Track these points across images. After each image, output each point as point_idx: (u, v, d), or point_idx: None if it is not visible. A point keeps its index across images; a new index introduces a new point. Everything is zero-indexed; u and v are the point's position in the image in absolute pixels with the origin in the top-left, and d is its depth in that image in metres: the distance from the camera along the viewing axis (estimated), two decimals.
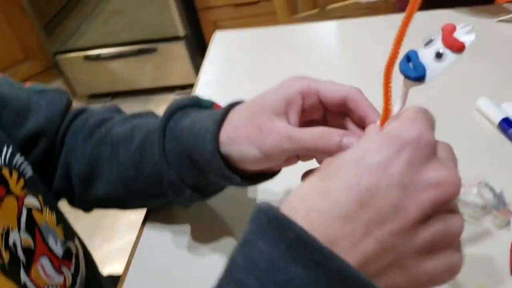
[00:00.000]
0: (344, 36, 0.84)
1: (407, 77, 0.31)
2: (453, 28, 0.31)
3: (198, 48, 2.16)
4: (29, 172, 0.45)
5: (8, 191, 0.41)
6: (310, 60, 0.79)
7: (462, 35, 0.31)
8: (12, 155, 0.43)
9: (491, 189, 0.48)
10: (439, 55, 0.31)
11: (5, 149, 0.42)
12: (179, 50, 2.07)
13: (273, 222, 0.25)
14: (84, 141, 0.48)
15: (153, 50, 2.07)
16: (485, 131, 0.57)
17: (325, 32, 0.86)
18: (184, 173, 0.41)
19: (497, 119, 0.57)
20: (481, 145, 0.56)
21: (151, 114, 0.49)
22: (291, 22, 1.35)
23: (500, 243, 0.44)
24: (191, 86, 2.18)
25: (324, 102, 0.36)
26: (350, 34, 0.84)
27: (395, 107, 0.33)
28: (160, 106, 2.19)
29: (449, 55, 0.30)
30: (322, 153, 0.34)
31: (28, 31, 2.08)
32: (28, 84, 0.51)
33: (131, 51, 2.08)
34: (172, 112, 0.42)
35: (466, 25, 0.31)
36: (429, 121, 0.28)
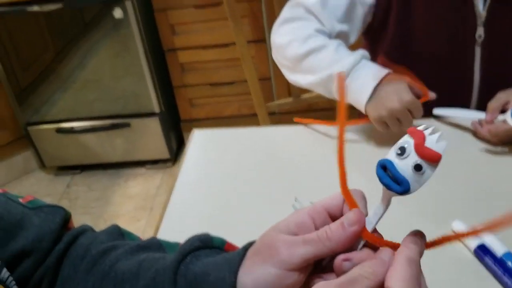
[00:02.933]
0: (318, 139, 0.86)
1: (390, 189, 0.32)
2: (422, 137, 0.32)
3: (172, 124, 2.18)
4: (14, 286, 0.44)
5: None
6: (287, 161, 0.80)
7: (434, 144, 0.31)
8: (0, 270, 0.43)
9: None
10: (418, 167, 0.31)
11: None
12: (153, 126, 2.08)
13: None
14: (84, 273, 0.46)
15: (127, 125, 2.07)
16: (461, 257, 0.58)
17: (301, 135, 0.88)
18: None
19: (473, 245, 0.58)
20: (457, 271, 0.56)
21: (157, 245, 0.48)
22: (267, 109, 1.38)
23: None
24: (162, 161, 2.19)
25: (332, 213, 0.37)
26: (322, 137, 0.86)
27: (376, 210, 0.34)
28: (129, 180, 2.16)
29: (427, 167, 0.31)
30: (335, 247, 0.35)
31: (1, 101, 2.05)
32: (27, 199, 0.51)
33: (105, 125, 2.07)
34: (184, 255, 0.41)
35: (433, 131, 0.32)
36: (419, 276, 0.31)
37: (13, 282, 0.44)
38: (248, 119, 2.12)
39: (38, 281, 0.46)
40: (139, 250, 0.46)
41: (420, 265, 0.33)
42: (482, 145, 0.77)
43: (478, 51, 0.84)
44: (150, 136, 2.10)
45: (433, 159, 0.31)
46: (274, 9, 1.33)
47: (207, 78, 2.05)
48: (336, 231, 0.35)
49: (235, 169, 0.81)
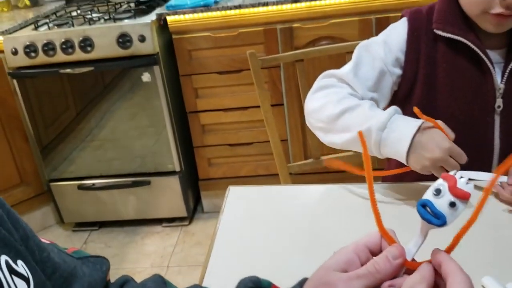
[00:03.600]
0: (349, 198, 0.91)
1: (431, 223, 0.40)
2: (455, 180, 0.40)
3: (190, 183, 2.23)
4: None
5: None
6: (320, 220, 0.84)
7: (464, 186, 0.40)
8: None
9: None
10: (452, 204, 0.40)
11: None
12: (172, 184, 2.13)
13: None
14: None
15: (147, 183, 2.12)
16: None
17: (331, 193, 0.93)
18: None
19: None
20: None
21: None
22: (287, 170, 1.43)
23: None
24: (179, 219, 2.22)
25: (373, 249, 0.44)
26: (353, 197, 0.90)
27: (416, 241, 0.42)
28: (146, 238, 2.18)
29: (460, 204, 0.40)
30: (384, 278, 0.41)
31: (26, 157, 2.13)
32: (70, 250, 0.55)
33: (126, 182, 2.13)
34: None
35: (462, 176, 0.41)
36: None
37: None
38: (263, 179, 2.17)
39: None
40: None
41: None
42: (505, 206, 0.82)
43: (497, 119, 0.90)
44: (169, 194, 2.15)
45: (465, 197, 0.40)
46: (294, 74, 1.43)
47: (226, 139, 2.13)
48: (383, 265, 0.42)
49: (269, 224, 0.85)
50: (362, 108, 0.86)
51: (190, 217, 2.24)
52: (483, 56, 0.87)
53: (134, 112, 2.03)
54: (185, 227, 2.22)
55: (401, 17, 0.98)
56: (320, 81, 0.97)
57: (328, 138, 0.92)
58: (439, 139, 0.78)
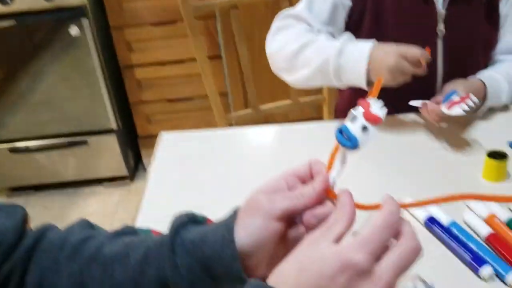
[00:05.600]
0: (285, 140, 0.93)
1: (344, 146, 0.42)
2: (368, 104, 0.42)
3: (129, 141, 2.19)
4: None
5: None
6: (254, 162, 0.86)
7: (377, 110, 0.41)
8: None
9: (424, 282, 0.55)
10: (364, 128, 0.41)
11: None
12: (110, 143, 2.08)
13: None
14: (67, 260, 0.47)
15: (83, 143, 2.06)
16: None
17: (266, 136, 0.95)
18: (197, 285, 0.44)
19: (423, 218, 0.66)
20: None
21: (132, 231, 0.51)
22: (227, 120, 1.43)
23: None
24: (120, 178, 2.18)
25: (302, 177, 0.46)
26: (290, 138, 0.93)
27: (337, 168, 0.44)
28: (87, 199, 2.14)
29: (371, 128, 0.41)
30: (307, 201, 0.43)
31: None
32: None
33: (61, 143, 2.05)
34: (176, 229, 0.46)
35: (377, 101, 0.42)
36: (380, 241, 0.36)
37: None
38: None
39: (6, 277, 0.47)
40: (119, 235, 0.49)
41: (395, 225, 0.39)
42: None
43: (440, 44, 0.96)
44: (107, 154, 2.10)
45: (376, 121, 0.41)
46: (229, 26, 1.41)
47: (164, 94, 2.09)
48: (306, 188, 0.44)
49: (204, 169, 0.85)
50: (319, 41, 0.90)
51: (131, 176, 2.21)
52: None
53: (65, 69, 1.93)
54: (127, 186, 2.19)
55: None
56: (278, 22, 0.98)
57: (293, 77, 0.95)
58: (389, 48, 0.83)
